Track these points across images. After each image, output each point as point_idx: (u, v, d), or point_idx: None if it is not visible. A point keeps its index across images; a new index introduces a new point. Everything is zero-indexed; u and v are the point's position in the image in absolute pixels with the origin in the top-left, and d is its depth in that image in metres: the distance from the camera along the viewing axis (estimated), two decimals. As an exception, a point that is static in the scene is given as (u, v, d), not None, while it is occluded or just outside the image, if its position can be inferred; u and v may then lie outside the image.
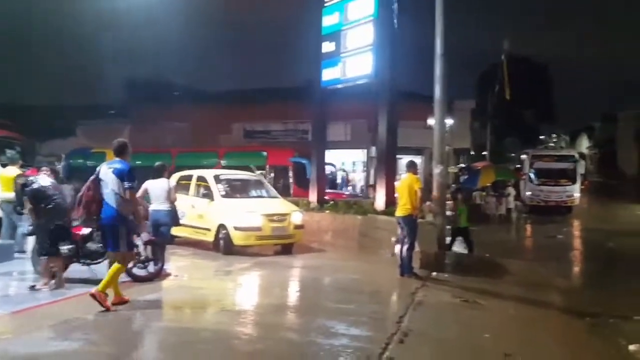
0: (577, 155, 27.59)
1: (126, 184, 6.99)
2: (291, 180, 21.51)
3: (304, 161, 21.08)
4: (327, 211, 14.54)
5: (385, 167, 13.58)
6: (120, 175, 7.01)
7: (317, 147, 16.02)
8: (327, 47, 14.60)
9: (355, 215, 13.51)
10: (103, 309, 6.74)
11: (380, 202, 13.37)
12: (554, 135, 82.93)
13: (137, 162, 10.07)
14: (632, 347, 6.18)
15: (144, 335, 6.54)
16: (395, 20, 13.06)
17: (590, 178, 54.57)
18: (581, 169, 26.48)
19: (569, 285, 10.30)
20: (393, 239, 10.68)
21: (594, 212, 26.81)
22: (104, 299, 6.82)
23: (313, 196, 15.39)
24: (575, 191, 24.85)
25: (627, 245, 14.99)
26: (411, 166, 10.32)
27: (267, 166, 21.76)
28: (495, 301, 8.60)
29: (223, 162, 21.61)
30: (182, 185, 13.12)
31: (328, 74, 14.65)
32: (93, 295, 6.76)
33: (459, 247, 12.95)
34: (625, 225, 20.70)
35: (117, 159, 7.20)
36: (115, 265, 7.09)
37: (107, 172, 7.09)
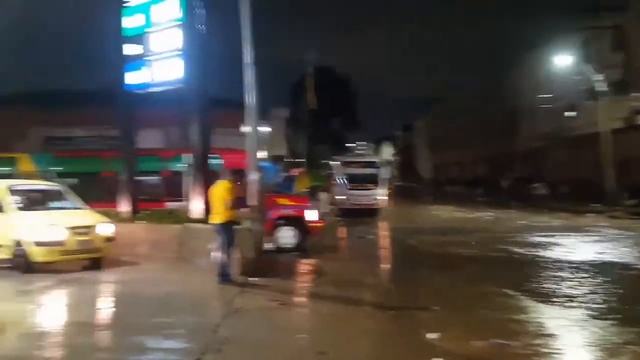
0: (381, 161, 29.78)
1: None
2: None
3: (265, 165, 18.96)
4: (140, 222, 13.91)
5: (201, 174, 13.38)
6: None
7: (126, 154, 15.29)
8: (131, 49, 14.02)
9: (171, 225, 13.10)
10: None
11: (196, 209, 13.13)
12: (360, 143, 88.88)
13: None
14: (429, 335, 6.78)
15: None
16: (202, 26, 12.96)
17: (395, 182, 59.43)
18: (387, 174, 28.56)
19: (376, 281, 11.00)
20: (209, 246, 10.55)
21: (398, 213, 29.13)
22: None
23: (125, 205, 14.63)
24: (380, 194, 26.77)
25: (426, 242, 16.51)
26: (227, 173, 10.29)
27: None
28: (310, 301, 8.90)
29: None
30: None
31: (134, 78, 14.09)
32: None
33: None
34: (424, 224, 22.82)
35: None
36: None
37: None
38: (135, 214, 14.36)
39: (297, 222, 14.23)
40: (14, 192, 11.55)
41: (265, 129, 31.17)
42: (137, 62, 13.92)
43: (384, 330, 7.55)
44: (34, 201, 11.80)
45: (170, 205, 16.10)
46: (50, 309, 8.76)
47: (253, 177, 12.03)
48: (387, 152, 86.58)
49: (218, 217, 9.91)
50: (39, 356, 5.94)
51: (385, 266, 13.86)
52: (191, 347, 6.15)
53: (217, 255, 10.00)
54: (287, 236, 14.16)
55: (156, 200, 17.01)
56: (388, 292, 10.19)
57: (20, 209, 11.25)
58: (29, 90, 30.49)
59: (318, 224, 14.79)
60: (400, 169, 78.18)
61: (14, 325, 7.29)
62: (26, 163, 19.87)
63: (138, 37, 13.89)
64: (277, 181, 28.97)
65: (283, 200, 14.64)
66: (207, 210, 12.45)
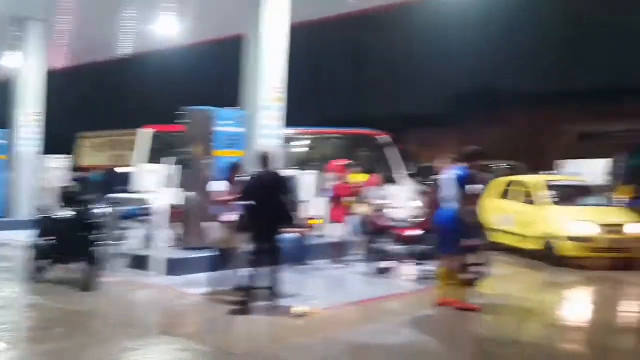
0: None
1: (465, 189, 7.06)
2: None
3: None
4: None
5: None
6: (460, 180, 7.11)
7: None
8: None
9: None
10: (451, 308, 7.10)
11: None
12: None
13: None
14: None
15: (461, 341, 6.54)
16: None
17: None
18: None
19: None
20: None
21: None
22: (453, 303, 7.16)
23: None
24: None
25: None
26: None
27: None
28: None
29: None
30: (511, 192, 12.84)
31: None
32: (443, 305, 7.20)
33: None
34: None
35: (463, 165, 7.27)
36: (444, 269, 7.34)
37: (448, 177, 7.31)
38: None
39: None
40: (550, 187, 12.08)
41: None
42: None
43: None
44: (567, 197, 12.06)
45: None
46: (575, 304, 8.86)
47: None
48: None
49: None
50: (561, 349, 6.13)
51: None
52: None
53: None
54: None
55: None
56: None
57: (553, 203, 11.71)
58: (570, 88, 30.66)
59: None
60: None
61: (541, 315, 7.67)
62: None
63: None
64: None
65: None
66: None
